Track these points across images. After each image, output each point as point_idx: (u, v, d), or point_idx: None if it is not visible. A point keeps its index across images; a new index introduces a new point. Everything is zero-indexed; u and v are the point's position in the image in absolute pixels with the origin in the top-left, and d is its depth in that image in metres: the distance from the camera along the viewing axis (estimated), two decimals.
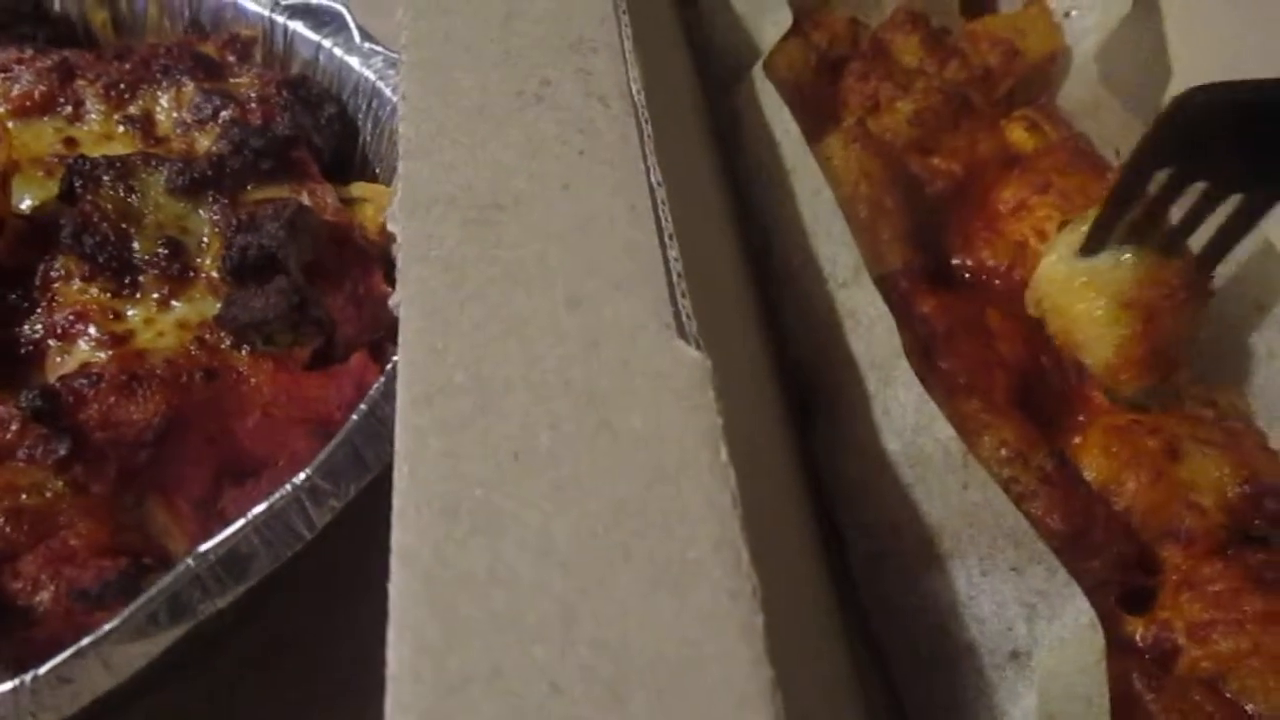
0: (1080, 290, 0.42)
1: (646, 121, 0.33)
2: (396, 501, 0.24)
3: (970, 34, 0.56)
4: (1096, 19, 0.55)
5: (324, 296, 0.44)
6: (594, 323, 0.27)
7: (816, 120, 0.50)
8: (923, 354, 0.41)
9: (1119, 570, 0.38)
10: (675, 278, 0.28)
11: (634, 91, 0.34)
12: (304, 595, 0.41)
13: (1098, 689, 0.30)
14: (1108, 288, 0.42)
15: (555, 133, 0.33)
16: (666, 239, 0.29)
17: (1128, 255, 0.41)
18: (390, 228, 0.32)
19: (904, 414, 0.36)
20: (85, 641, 0.30)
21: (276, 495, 0.34)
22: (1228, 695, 0.35)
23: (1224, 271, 0.44)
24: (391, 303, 0.28)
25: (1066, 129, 0.54)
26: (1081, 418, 0.43)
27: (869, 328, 0.38)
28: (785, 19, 0.49)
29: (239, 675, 0.40)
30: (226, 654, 0.40)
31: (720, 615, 0.22)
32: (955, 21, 0.60)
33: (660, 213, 0.30)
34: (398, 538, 0.23)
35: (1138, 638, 0.37)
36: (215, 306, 0.42)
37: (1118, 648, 0.37)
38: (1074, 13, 0.57)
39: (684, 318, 0.27)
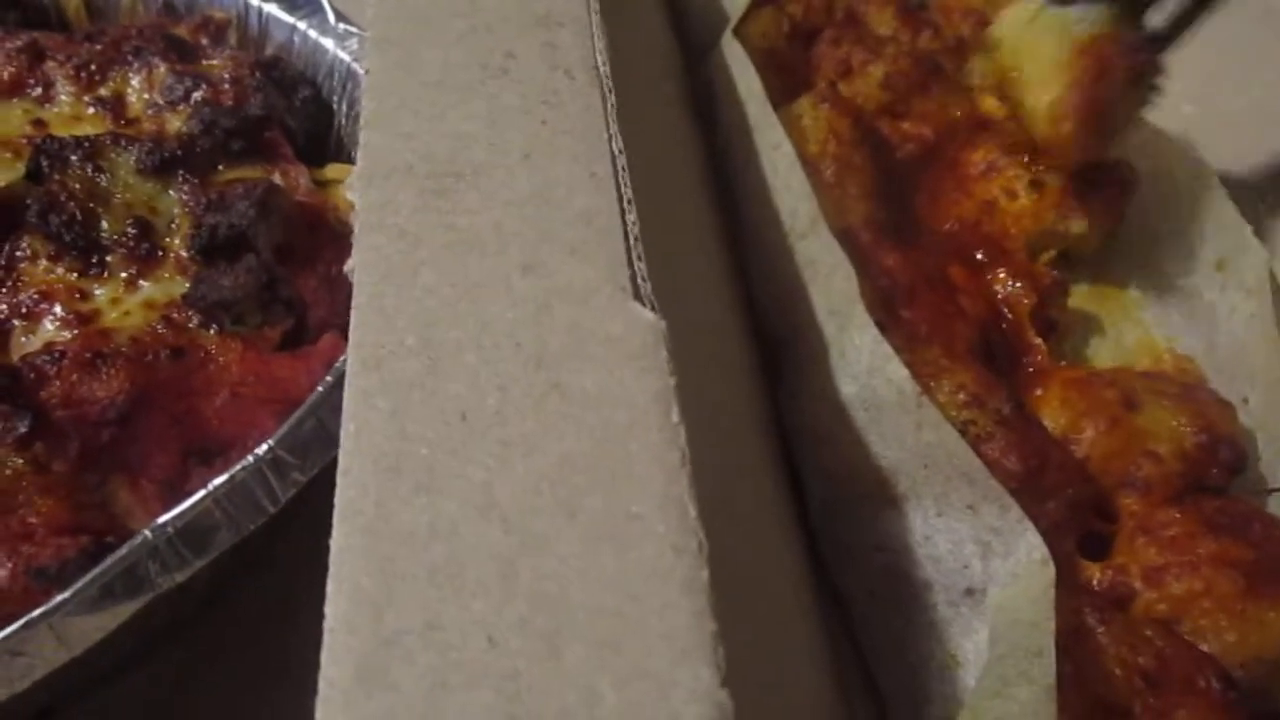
0: (1043, 29, 0.45)
1: (610, 91, 0.33)
2: (341, 460, 0.24)
3: (943, 6, 0.57)
4: None
5: (295, 277, 0.44)
6: (548, 287, 0.27)
7: (789, 86, 0.52)
8: (884, 305, 0.42)
9: (1075, 513, 0.38)
10: (632, 241, 0.29)
11: (599, 63, 0.35)
12: (269, 577, 0.42)
13: (1044, 615, 0.30)
14: (1068, 31, 0.44)
15: (518, 104, 0.33)
16: (625, 204, 0.30)
17: (1094, 11, 0.44)
18: (349, 197, 0.32)
19: (859, 357, 0.37)
20: (36, 613, 0.30)
21: (237, 467, 0.34)
22: (1182, 635, 0.35)
23: (1178, 227, 0.45)
24: (346, 268, 0.29)
25: None
26: (1032, 369, 0.44)
27: (827, 276, 0.39)
28: None
29: (203, 662, 0.40)
30: (189, 640, 0.40)
31: (663, 570, 0.22)
32: None
33: (620, 179, 0.30)
34: (340, 494, 0.23)
35: (1095, 582, 0.38)
36: (184, 286, 0.42)
37: (1075, 592, 0.37)
38: None
39: (639, 280, 0.28)
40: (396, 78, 0.34)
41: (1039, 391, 0.43)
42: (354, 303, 0.27)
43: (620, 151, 0.31)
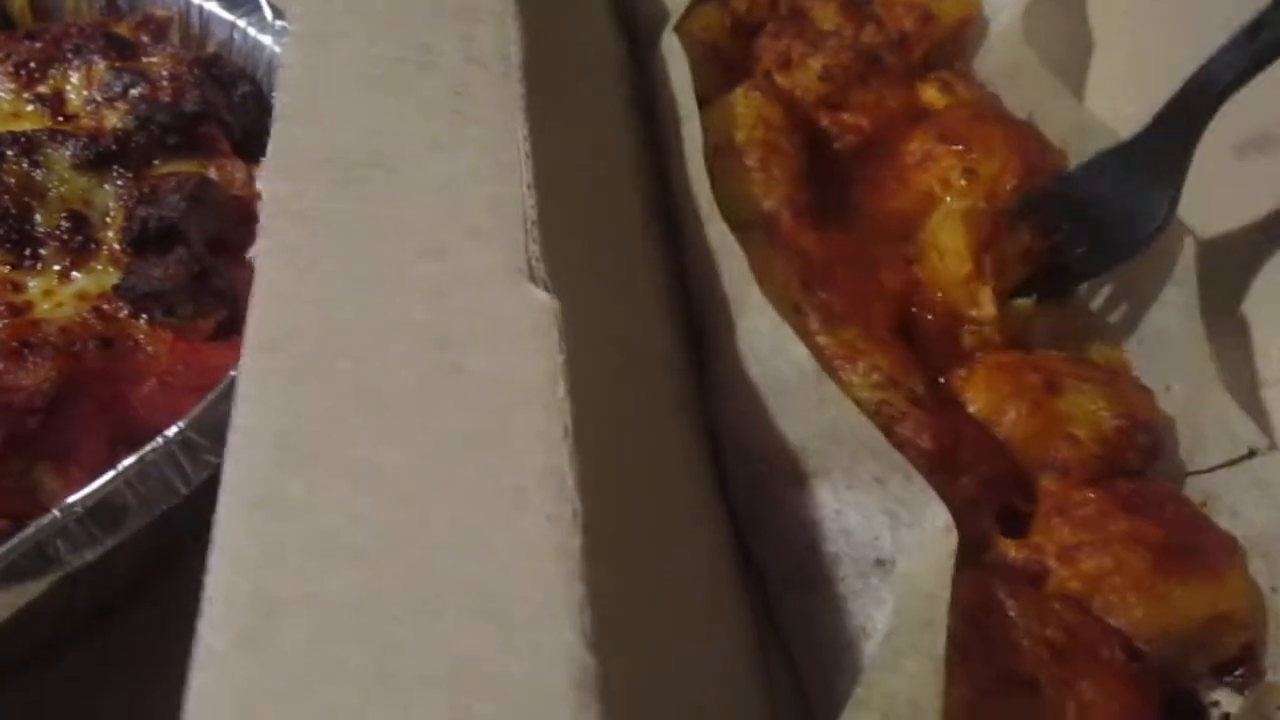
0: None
1: (521, 81, 0.34)
2: (231, 438, 0.24)
3: (886, 1, 0.58)
4: None
5: (228, 268, 0.44)
6: (447, 271, 0.28)
7: (731, 80, 0.53)
8: (802, 286, 0.42)
9: (992, 489, 0.40)
10: (529, 225, 0.29)
11: (513, 52, 0.36)
12: (194, 567, 0.42)
13: (941, 586, 0.31)
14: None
15: (432, 96, 0.34)
16: (525, 190, 0.30)
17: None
18: (258, 186, 0.33)
19: (760, 339, 0.38)
20: None
21: (147, 448, 0.35)
22: (1092, 610, 0.36)
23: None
24: (249, 254, 0.29)
25: (979, 90, 0.56)
26: (964, 349, 0.45)
27: (726, 260, 0.40)
28: None
29: (120, 653, 0.40)
30: (109, 631, 0.40)
31: (537, 538, 0.23)
32: None
33: (524, 167, 0.31)
34: (227, 469, 0.24)
35: (1010, 558, 0.39)
36: (117, 278, 0.43)
37: (991, 569, 0.38)
38: None
39: (533, 262, 0.28)
40: (312, 69, 0.35)
41: (964, 373, 0.44)
42: (254, 288, 0.28)
43: (526, 138, 0.32)
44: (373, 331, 0.27)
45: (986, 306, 0.45)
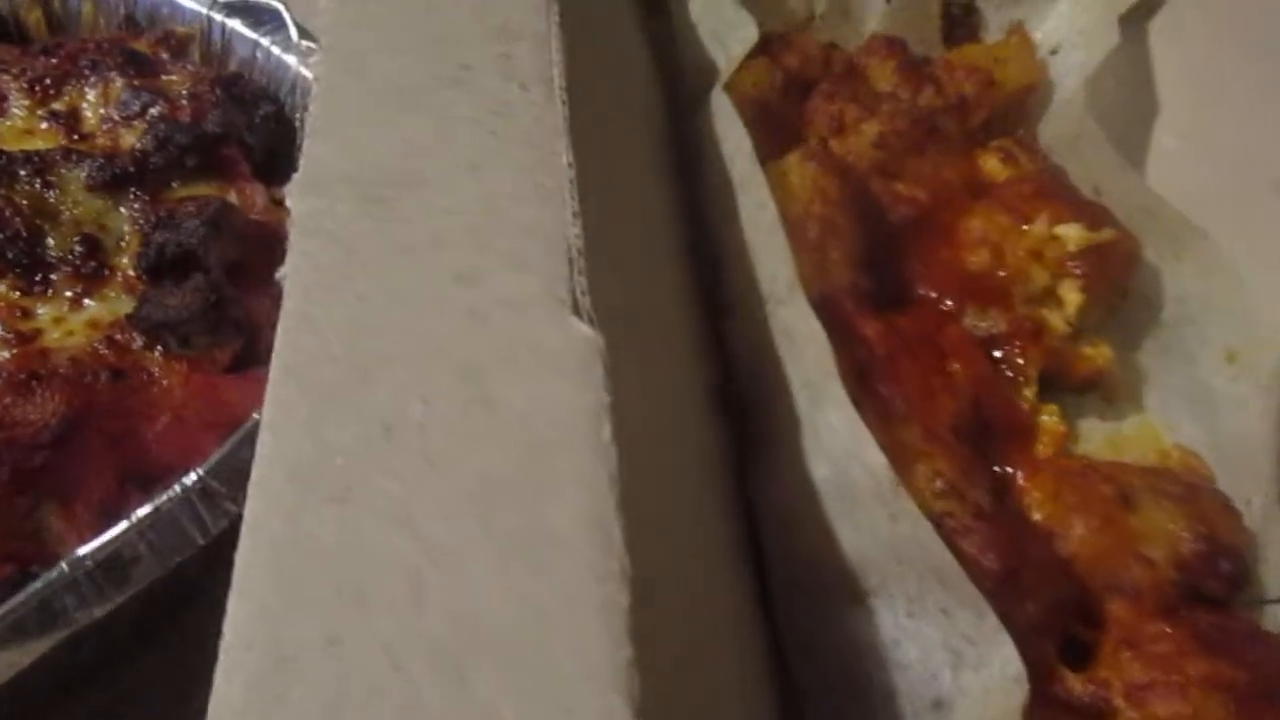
0: None
1: (564, 103, 0.34)
2: (255, 470, 0.24)
3: (946, 63, 0.57)
4: (1082, 56, 0.56)
5: (247, 297, 0.44)
6: (483, 298, 0.28)
7: (780, 141, 0.51)
8: (859, 378, 0.41)
9: (1056, 616, 0.37)
10: (575, 254, 0.29)
11: (555, 75, 0.35)
12: (212, 619, 0.41)
13: None
14: None
15: (468, 115, 0.34)
16: (571, 216, 0.30)
17: None
18: (287, 204, 0.32)
19: (834, 438, 0.36)
20: None
21: (164, 497, 0.34)
22: None
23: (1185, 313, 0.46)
24: (278, 275, 0.29)
25: (1043, 160, 0.54)
26: (1035, 451, 0.43)
27: (802, 347, 0.38)
28: (751, 35, 0.50)
29: (126, 704, 0.40)
30: (114, 679, 0.40)
31: (581, 592, 0.22)
32: (936, 50, 0.61)
33: (569, 192, 0.31)
34: (250, 505, 0.23)
35: (1074, 693, 0.37)
36: (131, 306, 0.43)
37: (1051, 703, 0.36)
38: (1060, 49, 0.58)
39: (579, 294, 0.28)
40: (346, 86, 0.34)
41: (1027, 476, 0.42)
42: (282, 309, 0.27)
43: (571, 164, 0.31)
44: (405, 360, 0.26)
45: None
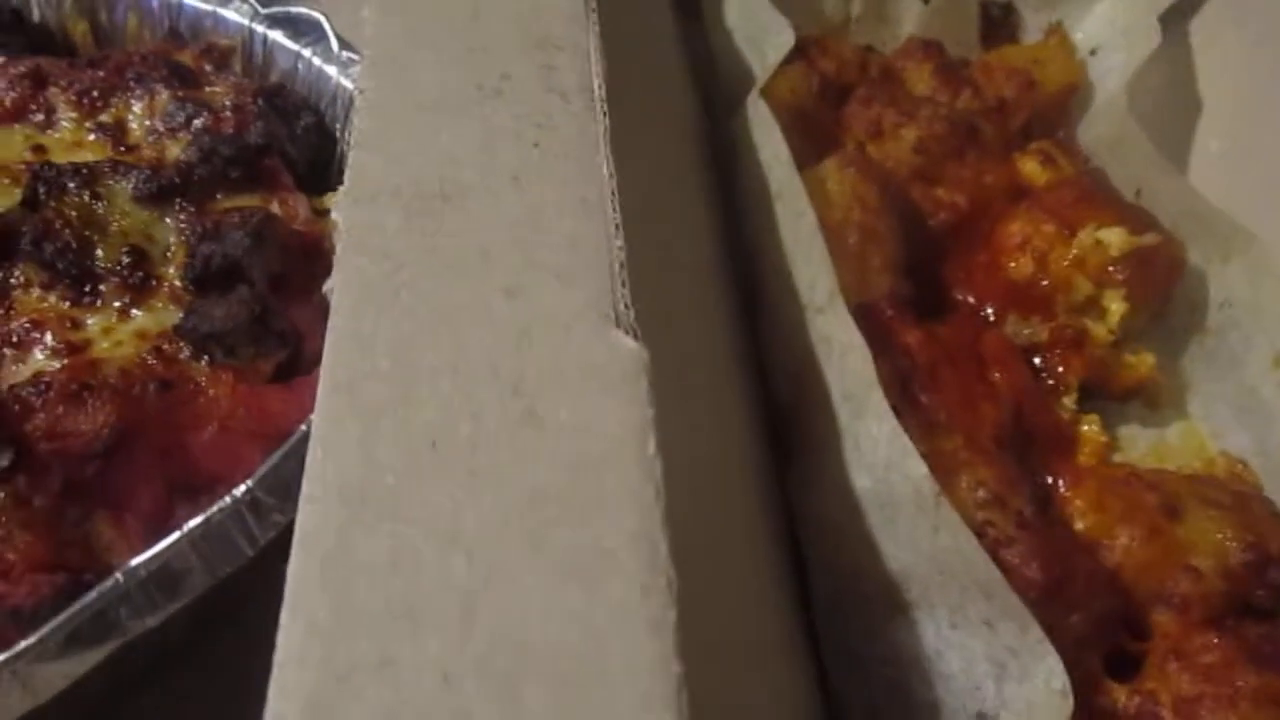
0: None
1: (605, 115, 0.34)
2: (305, 486, 0.24)
3: (985, 65, 0.57)
4: (1123, 57, 0.55)
5: (290, 307, 0.45)
6: (529, 312, 0.28)
7: (818, 146, 0.51)
8: (900, 387, 0.40)
9: (1102, 628, 0.37)
10: (618, 268, 0.29)
11: (596, 86, 0.35)
12: (253, 620, 0.42)
13: None
14: None
15: (511, 126, 0.34)
16: (614, 229, 0.30)
17: None
18: (334, 217, 0.33)
19: (875, 449, 0.36)
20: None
21: (214, 508, 0.34)
22: None
23: (1231, 315, 0.45)
24: (326, 288, 0.29)
25: (1083, 163, 0.54)
26: (1077, 460, 0.43)
27: (842, 356, 0.38)
28: (787, 40, 0.50)
29: (176, 710, 0.40)
30: (165, 686, 0.40)
31: (630, 608, 0.22)
32: (974, 52, 0.61)
33: (611, 204, 0.31)
34: (301, 521, 0.23)
35: (1120, 706, 0.37)
36: (177, 316, 0.43)
37: (1097, 715, 0.36)
38: (1100, 50, 0.57)
39: (623, 307, 0.28)
40: (390, 98, 0.35)
41: (1070, 485, 0.42)
42: (330, 324, 0.27)
43: (612, 175, 0.32)
44: (452, 374, 0.26)
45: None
